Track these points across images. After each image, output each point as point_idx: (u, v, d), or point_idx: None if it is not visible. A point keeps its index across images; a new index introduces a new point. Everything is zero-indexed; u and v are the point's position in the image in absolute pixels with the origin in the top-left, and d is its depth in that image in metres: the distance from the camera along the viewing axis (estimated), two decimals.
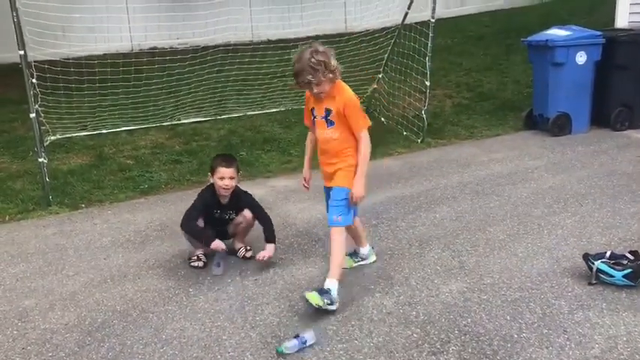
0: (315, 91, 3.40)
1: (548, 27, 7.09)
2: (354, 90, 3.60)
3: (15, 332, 3.33)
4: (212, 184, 3.99)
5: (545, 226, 4.45)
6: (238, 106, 7.87)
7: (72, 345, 3.18)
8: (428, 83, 6.80)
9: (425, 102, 6.90)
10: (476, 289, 3.57)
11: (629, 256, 3.60)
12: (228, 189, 3.95)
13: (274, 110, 7.90)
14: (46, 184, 5.30)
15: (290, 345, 3.00)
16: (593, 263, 3.56)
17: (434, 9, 6.44)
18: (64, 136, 6.86)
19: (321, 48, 3.40)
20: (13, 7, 4.81)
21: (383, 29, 7.87)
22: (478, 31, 12.29)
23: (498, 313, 3.31)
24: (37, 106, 5.55)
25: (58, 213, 5.17)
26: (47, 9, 6.68)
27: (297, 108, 7.93)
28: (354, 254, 3.95)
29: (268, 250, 3.92)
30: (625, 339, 3.03)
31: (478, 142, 6.92)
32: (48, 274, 4.03)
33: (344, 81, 3.55)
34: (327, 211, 3.56)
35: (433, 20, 6.47)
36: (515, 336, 3.09)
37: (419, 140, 6.85)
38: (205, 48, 7.90)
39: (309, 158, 3.84)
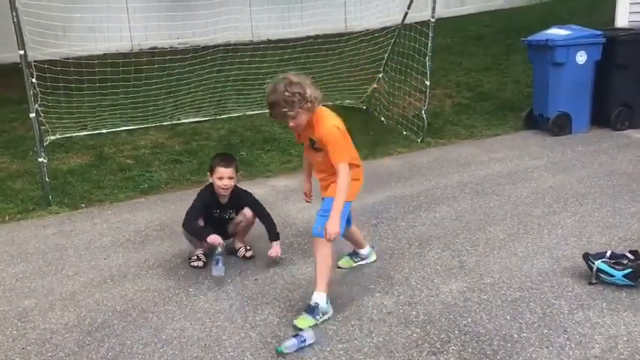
0: (291, 124, 3.25)
1: (548, 27, 7.08)
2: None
3: (15, 332, 3.33)
4: (211, 184, 3.98)
5: (545, 225, 4.45)
6: (238, 106, 7.86)
7: (72, 345, 3.18)
8: (428, 83, 6.79)
9: (425, 102, 6.90)
10: (476, 289, 3.57)
11: (629, 255, 3.60)
12: (227, 189, 3.94)
13: None
14: (46, 184, 5.29)
15: (289, 344, 3.00)
16: (594, 263, 3.56)
17: (434, 9, 6.44)
18: (63, 135, 6.86)
19: (295, 79, 3.21)
20: (13, 7, 4.80)
21: (383, 29, 7.86)
22: (478, 31, 12.29)
23: (498, 312, 3.31)
24: (36, 105, 5.55)
25: (58, 213, 5.17)
26: (47, 9, 6.68)
27: None
28: (354, 254, 3.95)
29: (278, 249, 3.95)
30: (625, 339, 3.03)
31: (478, 141, 6.91)
32: (48, 274, 4.02)
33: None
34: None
35: (433, 20, 6.47)
36: (516, 336, 3.09)
37: (419, 140, 6.85)
38: (205, 48, 7.89)
39: (307, 173, 3.79)
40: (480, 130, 7.24)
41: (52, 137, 6.68)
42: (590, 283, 3.55)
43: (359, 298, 3.52)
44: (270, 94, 3.23)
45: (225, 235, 4.04)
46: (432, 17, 6.45)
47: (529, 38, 7.03)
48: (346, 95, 8.09)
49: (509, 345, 3.02)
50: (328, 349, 3.04)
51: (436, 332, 3.15)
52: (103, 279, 3.91)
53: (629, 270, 3.47)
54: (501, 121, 7.54)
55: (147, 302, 3.59)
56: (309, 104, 3.19)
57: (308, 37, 9.74)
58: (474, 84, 9.07)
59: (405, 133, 7.08)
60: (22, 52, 5.00)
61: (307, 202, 3.86)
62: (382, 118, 7.58)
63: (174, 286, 3.77)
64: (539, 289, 3.54)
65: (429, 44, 6.62)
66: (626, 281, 3.48)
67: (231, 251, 4.11)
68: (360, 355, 2.99)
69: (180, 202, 5.08)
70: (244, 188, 4.17)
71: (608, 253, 3.62)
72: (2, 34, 6.34)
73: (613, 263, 3.53)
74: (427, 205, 4.96)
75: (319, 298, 3.29)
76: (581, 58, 6.68)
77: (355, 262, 3.93)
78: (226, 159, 3.99)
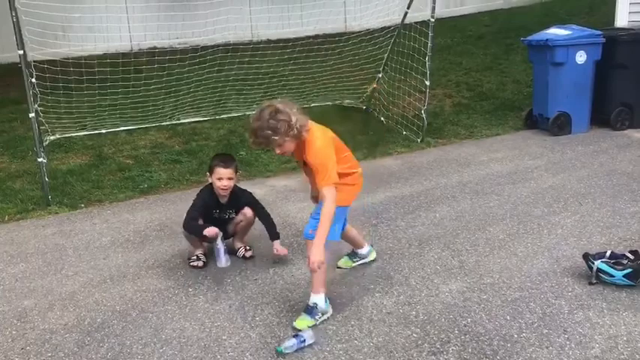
0: (277, 151, 3.20)
1: (547, 27, 7.08)
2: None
3: (14, 332, 3.32)
4: (211, 184, 3.98)
5: (545, 225, 4.45)
6: (238, 106, 7.86)
7: (71, 345, 3.18)
8: (428, 83, 6.79)
9: (425, 101, 6.90)
10: (476, 289, 3.56)
11: (629, 255, 3.60)
12: (227, 189, 3.94)
13: None
14: (46, 184, 5.29)
15: (289, 344, 3.00)
16: (594, 263, 3.55)
17: (434, 8, 6.43)
18: (63, 135, 6.86)
19: (281, 107, 3.10)
20: (12, 7, 4.80)
21: (383, 29, 7.86)
22: (478, 31, 12.29)
23: (498, 312, 3.31)
24: (36, 105, 5.55)
25: (58, 213, 5.16)
26: (47, 9, 6.67)
27: None
28: (352, 254, 3.94)
29: (284, 248, 3.99)
30: (625, 339, 3.02)
31: (478, 141, 6.91)
32: (47, 274, 4.02)
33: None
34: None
35: (433, 20, 6.47)
36: (515, 336, 3.09)
37: (419, 140, 6.84)
38: (205, 48, 7.89)
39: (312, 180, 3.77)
40: (480, 130, 7.23)
41: (52, 137, 6.68)
42: (590, 283, 3.55)
43: (359, 298, 3.52)
44: (254, 120, 3.12)
45: (225, 235, 4.03)
46: (432, 17, 6.45)
47: (529, 38, 7.03)
48: (346, 95, 8.09)
49: (509, 345, 3.01)
50: (328, 349, 3.04)
51: (436, 332, 3.14)
52: (102, 279, 3.91)
53: (629, 270, 3.47)
54: (501, 121, 7.54)
55: (146, 302, 3.58)
56: (296, 131, 3.10)
57: (308, 37, 9.73)
58: (474, 84, 9.07)
59: (404, 133, 7.08)
60: (21, 52, 5.00)
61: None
62: (382, 118, 7.58)
63: (174, 286, 3.76)
64: (539, 289, 3.53)
65: (429, 44, 6.62)
66: (626, 281, 3.47)
67: (230, 251, 4.10)
68: (359, 355, 2.98)
69: (179, 202, 5.08)
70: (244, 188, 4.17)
71: (608, 253, 3.62)
72: (2, 35, 6.35)
73: (613, 263, 3.53)
74: (427, 205, 4.96)
75: (317, 298, 3.29)
76: (580, 58, 6.68)
77: (354, 262, 3.92)
78: (225, 159, 3.98)
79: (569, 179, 5.43)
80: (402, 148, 6.69)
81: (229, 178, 3.91)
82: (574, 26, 6.96)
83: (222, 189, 3.92)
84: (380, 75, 7.79)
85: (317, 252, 3.08)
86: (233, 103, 7.91)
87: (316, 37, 10.09)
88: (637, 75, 6.76)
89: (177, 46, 9.84)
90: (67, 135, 6.88)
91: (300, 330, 3.13)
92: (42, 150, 5.39)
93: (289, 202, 5.17)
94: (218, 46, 8.56)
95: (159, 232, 4.64)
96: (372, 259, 3.96)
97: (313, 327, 3.19)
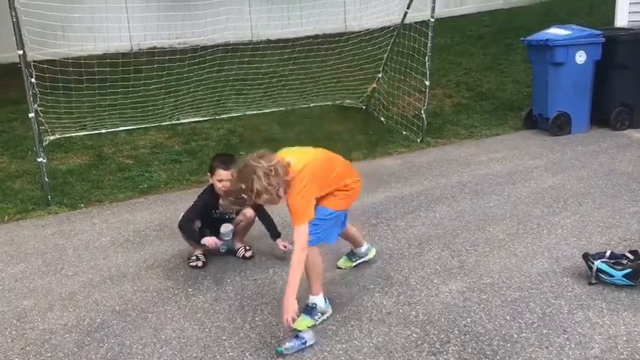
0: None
1: (547, 26, 7.08)
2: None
3: (14, 332, 3.32)
4: (212, 184, 3.99)
5: (544, 225, 4.45)
6: (238, 106, 7.86)
7: (71, 345, 3.17)
8: (427, 83, 6.79)
9: (424, 101, 6.90)
10: (475, 289, 3.56)
11: (629, 255, 3.60)
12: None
13: (274, 110, 7.90)
14: (45, 184, 5.29)
15: (289, 345, 3.00)
16: (593, 263, 3.55)
17: (433, 8, 6.43)
18: (63, 135, 6.86)
19: (261, 172, 2.95)
20: (12, 7, 4.80)
21: (382, 29, 7.86)
22: (478, 31, 12.29)
23: (498, 312, 3.31)
24: (36, 105, 5.54)
25: (57, 213, 5.16)
26: (46, 9, 6.67)
27: (297, 108, 7.94)
28: (351, 254, 3.92)
29: (284, 242, 4.02)
30: (625, 339, 3.02)
31: (478, 141, 6.91)
32: (47, 274, 4.02)
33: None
34: None
35: (433, 20, 6.47)
36: (515, 336, 3.09)
37: (418, 140, 6.84)
38: (205, 48, 7.89)
39: None
40: (480, 130, 7.23)
41: (52, 137, 6.68)
42: (589, 283, 3.55)
43: (358, 298, 3.52)
44: (238, 180, 3.03)
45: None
46: (432, 17, 6.45)
47: (528, 38, 7.03)
48: (346, 95, 8.10)
49: (508, 345, 3.01)
50: (327, 349, 3.04)
51: (436, 332, 3.14)
52: (102, 279, 3.91)
53: (629, 270, 3.47)
54: (501, 121, 7.54)
55: (146, 302, 3.58)
56: (280, 189, 3.02)
57: (308, 37, 9.74)
58: (474, 84, 9.07)
59: (404, 133, 7.08)
60: (21, 52, 4.99)
61: None
62: (382, 118, 7.58)
63: (174, 287, 3.76)
64: (539, 289, 3.53)
65: (429, 44, 6.62)
66: (626, 281, 3.47)
67: (230, 251, 4.10)
68: (359, 355, 2.98)
69: (179, 202, 5.08)
70: None
71: (608, 253, 3.62)
72: (1, 35, 6.35)
73: (613, 263, 3.53)
74: (427, 205, 4.96)
75: (316, 298, 3.29)
76: (580, 58, 6.68)
77: (353, 261, 3.91)
78: (226, 161, 3.97)
79: (569, 179, 5.43)
80: (402, 148, 6.69)
81: (229, 180, 3.90)
82: (574, 26, 6.96)
83: (223, 190, 3.92)
84: (380, 75, 7.79)
85: (288, 305, 2.99)
86: (233, 103, 7.91)
87: (316, 37, 10.09)
88: (637, 75, 6.76)
89: (177, 46, 9.84)
90: (66, 135, 6.88)
91: (300, 331, 3.13)
92: (42, 150, 5.39)
93: None
94: (218, 46, 8.56)
95: (159, 232, 4.64)
96: (371, 256, 3.94)
97: (313, 327, 3.19)
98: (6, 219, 5.06)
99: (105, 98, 7.53)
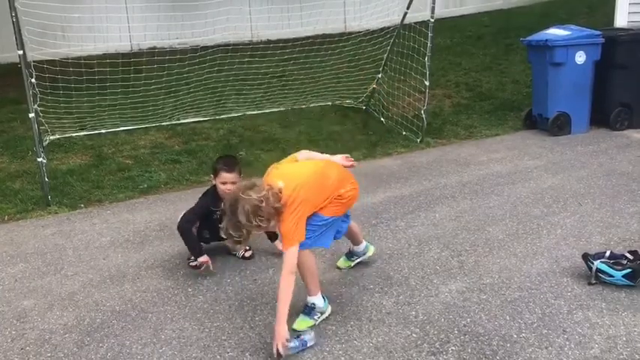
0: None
1: (547, 27, 7.08)
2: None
3: (14, 332, 3.33)
4: (214, 186, 3.98)
5: (544, 225, 4.45)
6: (238, 106, 7.86)
7: (71, 345, 3.18)
8: (427, 83, 6.79)
9: (424, 102, 6.90)
10: (475, 289, 3.57)
11: (628, 255, 3.60)
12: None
13: (273, 110, 7.91)
14: (45, 184, 5.29)
15: (290, 346, 2.99)
16: (593, 263, 3.56)
17: (433, 9, 6.43)
18: (63, 135, 6.86)
19: (249, 206, 2.91)
20: (12, 7, 4.80)
21: (382, 29, 7.86)
22: (477, 31, 12.28)
23: (498, 313, 3.31)
24: (36, 105, 5.55)
25: (57, 213, 5.16)
26: (46, 9, 6.67)
27: (297, 108, 7.94)
28: (349, 254, 3.91)
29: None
30: (624, 339, 3.03)
31: (477, 141, 6.91)
32: (47, 274, 4.02)
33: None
34: None
35: (432, 20, 6.47)
36: (515, 336, 3.09)
37: (418, 140, 6.84)
38: (205, 48, 7.89)
39: None
40: (480, 130, 7.23)
41: (52, 137, 6.68)
42: (589, 284, 3.55)
43: (358, 298, 3.52)
44: (231, 212, 2.97)
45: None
46: (432, 17, 6.45)
47: (528, 38, 7.03)
48: (346, 95, 8.10)
49: (508, 345, 3.02)
50: (327, 349, 3.04)
51: (435, 332, 3.15)
52: (102, 279, 3.91)
53: (629, 270, 3.47)
54: (500, 121, 7.54)
55: (146, 302, 3.58)
56: (275, 217, 3.02)
57: (307, 37, 9.73)
58: (474, 84, 9.07)
59: (404, 133, 7.08)
60: (21, 52, 5.00)
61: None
62: (382, 118, 7.58)
63: (174, 287, 3.77)
64: (539, 290, 3.54)
65: (429, 44, 6.62)
66: (626, 281, 3.48)
67: (230, 251, 4.11)
68: (359, 355, 2.99)
69: (179, 202, 5.08)
70: None
71: (608, 253, 3.63)
72: (1, 35, 6.35)
73: (612, 263, 3.53)
74: (426, 205, 4.96)
75: (314, 299, 3.29)
76: (580, 58, 6.68)
77: (352, 261, 3.91)
78: (229, 164, 3.96)
79: (569, 179, 5.43)
80: (402, 148, 6.69)
81: (233, 183, 3.90)
82: (573, 26, 6.96)
83: (226, 192, 3.91)
84: (379, 75, 7.79)
85: (279, 332, 2.97)
86: (233, 103, 7.91)
87: (316, 37, 10.08)
88: (636, 75, 6.76)
89: (177, 46, 9.84)
90: (66, 135, 6.88)
91: (300, 332, 3.13)
92: (42, 150, 5.39)
93: None
94: (218, 46, 8.56)
95: (158, 233, 4.64)
96: (370, 254, 3.91)
97: (313, 327, 3.19)
98: (6, 219, 5.06)
99: (105, 98, 7.53)
